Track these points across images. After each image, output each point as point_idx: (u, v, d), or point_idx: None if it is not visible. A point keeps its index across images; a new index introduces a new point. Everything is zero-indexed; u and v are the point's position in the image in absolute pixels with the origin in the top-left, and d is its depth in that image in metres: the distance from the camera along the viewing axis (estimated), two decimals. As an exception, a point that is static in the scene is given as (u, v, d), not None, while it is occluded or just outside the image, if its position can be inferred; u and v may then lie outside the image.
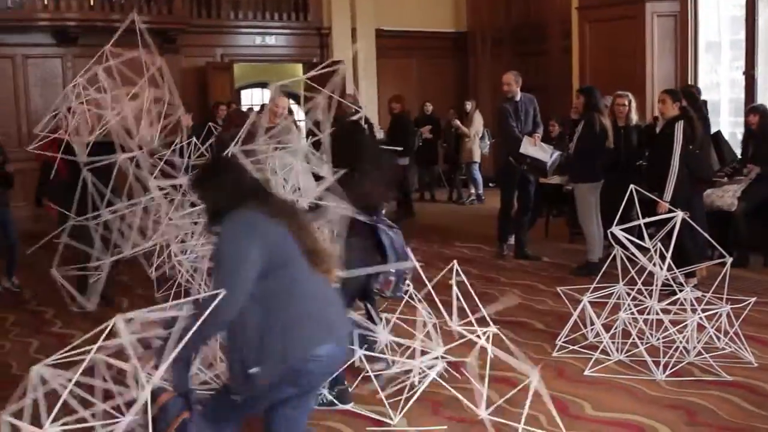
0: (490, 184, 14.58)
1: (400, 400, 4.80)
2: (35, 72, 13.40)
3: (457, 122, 14.02)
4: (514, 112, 9.01)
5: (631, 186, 6.08)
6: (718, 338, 5.60)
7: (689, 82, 10.59)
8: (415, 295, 5.14)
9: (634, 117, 8.47)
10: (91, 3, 13.28)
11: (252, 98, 20.16)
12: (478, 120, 13.89)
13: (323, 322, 3.27)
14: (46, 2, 12.92)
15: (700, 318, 5.50)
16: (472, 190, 14.34)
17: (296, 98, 19.13)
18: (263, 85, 19.75)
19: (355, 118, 8.02)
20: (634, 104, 8.44)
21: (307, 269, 3.33)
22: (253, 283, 3.15)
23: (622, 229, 5.68)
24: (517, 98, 9.03)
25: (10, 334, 6.83)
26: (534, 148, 8.82)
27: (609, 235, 5.93)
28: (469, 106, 14.19)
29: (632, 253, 5.68)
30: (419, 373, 4.90)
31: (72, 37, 13.32)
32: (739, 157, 9.01)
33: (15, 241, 8.59)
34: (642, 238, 5.79)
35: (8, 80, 13.22)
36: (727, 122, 11.13)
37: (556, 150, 8.96)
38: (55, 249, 6.95)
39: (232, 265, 3.15)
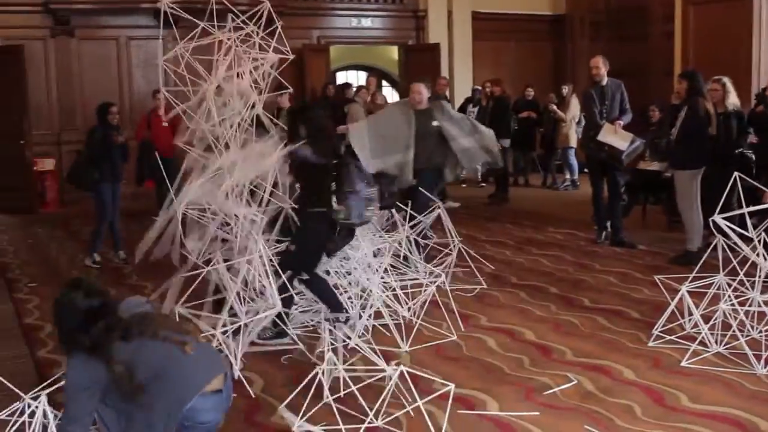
0: (585, 170, 14.33)
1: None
2: (138, 53, 13.77)
3: (554, 107, 13.82)
4: (600, 98, 8.85)
5: (735, 173, 5.89)
6: (824, 333, 5.39)
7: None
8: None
9: (733, 102, 8.18)
10: (192, -15, 13.53)
11: (347, 80, 20.29)
12: (575, 104, 13.64)
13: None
14: (149, -16, 13.24)
15: (805, 311, 5.31)
16: (567, 176, 14.14)
17: (390, 80, 19.25)
18: (359, 67, 19.88)
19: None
20: (731, 89, 8.15)
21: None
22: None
23: (723, 218, 5.51)
24: (604, 83, 8.85)
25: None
26: (613, 135, 8.62)
27: (710, 223, 5.76)
28: (565, 90, 13.96)
29: (734, 243, 5.50)
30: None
31: (174, 19, 13.57)
32: None
33: (115, 217, 8.80)
34: (744, 228, 5.61)
35: (113, 61, 13.61)
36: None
37: (638, 138, 8.71)
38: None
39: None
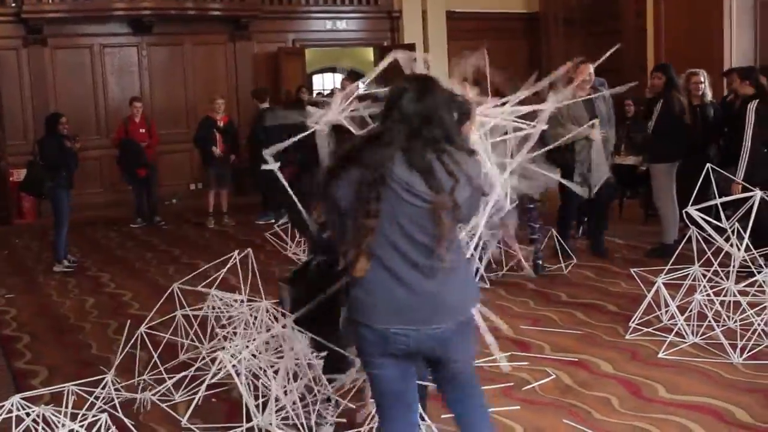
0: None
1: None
2: (112, 61, 13.70)
3: (532, 105, 13.84)
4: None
5: (708, 165, 5.93)
6: (799, 321, 5.44)
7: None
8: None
9: (709, 94, 8.27)
10: (165, -8, 13.50)
11: (324, 83, 20.23)
12: (553, 102, 13.69)
13: None
14: (122, -8, 13.19)
15: (781, 300, 5.36)
16: (546, 172, 14.18)
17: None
18: (334, 69, 19.84)
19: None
20: (708, 81, 8.23)
21: None
22: None
23: (697, 209, 5.55)
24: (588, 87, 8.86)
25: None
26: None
27: (684, 215, 5.79)
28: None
29: (708, 234, 5.54)
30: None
31: (147, 25, 13.57)
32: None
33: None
34: (719, 219, 5.65)
35: (87, 69, 13.53)
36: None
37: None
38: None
39: None
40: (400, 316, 2.89)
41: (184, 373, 4.81)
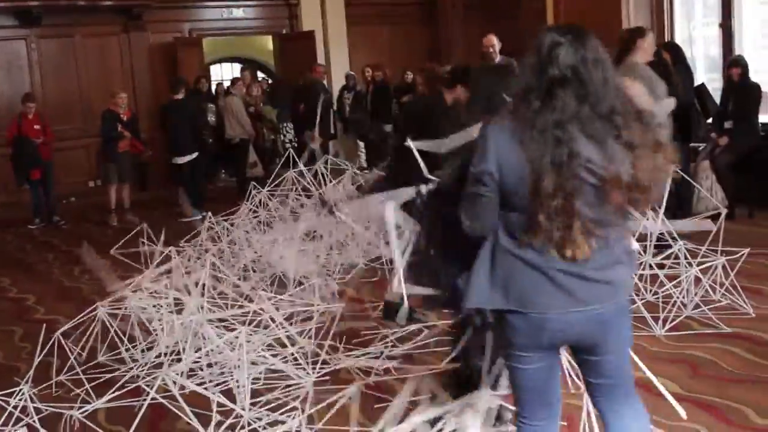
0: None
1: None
2: (-1, 55, 13.11)
3: (434, 89, 13.86)
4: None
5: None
6: (715, 291, 5.56)
7: (666, 38, 10.49)
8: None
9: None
10: (54, -18, 12.97)
11: (222, 73, 19.92)
12: (456, 86, 13.76)
13: None
14: (6, -18, 12.61)
15: (696, 271, 5.46)
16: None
17: (265, 70, 19.01)
18: (233, 59, 19.55)
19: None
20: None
21: None
22: None
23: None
24: (496, 61, 8.92)
25: None
26: None
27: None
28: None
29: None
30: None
31: (35, 17, 13.02)
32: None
33: None
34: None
35: (-29, 65, 12.92)
36: (704, 78, 11.05)
37: None
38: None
39: None
40: (557, 299, 2.61)
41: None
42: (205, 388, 4.18)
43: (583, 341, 2.74)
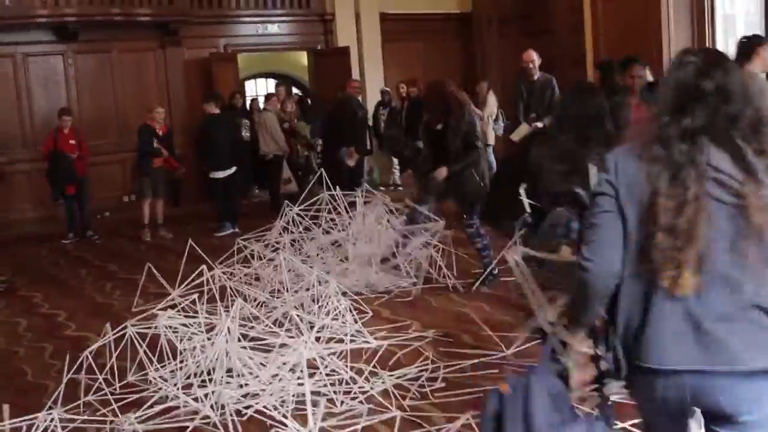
0: (502, 167, 14.32)
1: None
2: (36, 70, 13.15)
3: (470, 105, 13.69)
4: (528, 93, 8.80)
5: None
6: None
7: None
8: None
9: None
10: (90, -2, 13.03)
11: (257, 88, 19.93)
12: (492, 102, 13.58)
13: None
14: (44, -1, 12.67)
15: None
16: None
17: (299, 85, 18.99)
18: (268, 75, 19.56)
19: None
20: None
21: None
22: None
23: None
24: (535, 77, 8.82)
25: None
26: (527, 136, 8.59)
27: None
28: (483, 87, 13.89)
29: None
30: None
31: (72, 32, 13.08)
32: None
33: None
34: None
35: (9, 80, 12.97)
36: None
37: None
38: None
39: None
40: (700, 354, 2.23)
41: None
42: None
43: (725, 410, 2.30)
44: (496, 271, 7.16)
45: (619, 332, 2.37)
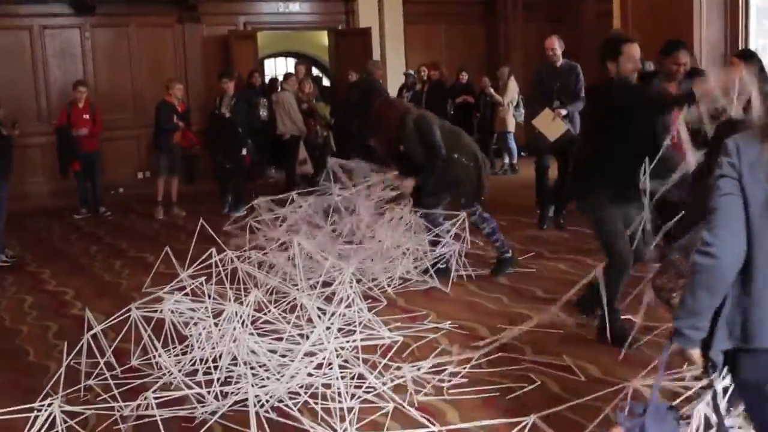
0: (522, 153, 14.10)
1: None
2: (53, 43, 13.00)
3: (491, 90, 13.47)
4: (551, 78, 8.59)
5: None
6: None
7: (740, 45, 9.96)
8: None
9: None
10: (109, -30, 12.85)
11: (276, 68, 19.72)
12: (512, 87, 13.35)
13: None
14: (62, -30, 12.51)
15: None
16: (506, 160, 13.85)
17: (319, 66, 18.75)
18: (288, 54, 19.33)
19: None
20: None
21: None
22: None
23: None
24: (558, 64, 8.61)
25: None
26: (548, 124, 8.36)
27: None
28: (503, 73, 13.64)
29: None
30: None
31: (90, 5, 12.91)
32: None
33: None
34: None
35: (26, 52, 12.83)
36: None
37: (572, 132, 8.38)
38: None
39: None
40: None
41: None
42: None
43: None
44: (509, 254, 6.99)
45: (728, 316, 2.41)
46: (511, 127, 13.42)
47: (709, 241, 2.35)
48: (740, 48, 9.78)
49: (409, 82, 13.59)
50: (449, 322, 5.65)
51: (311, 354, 4.48)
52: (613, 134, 4.87)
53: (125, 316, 4.67)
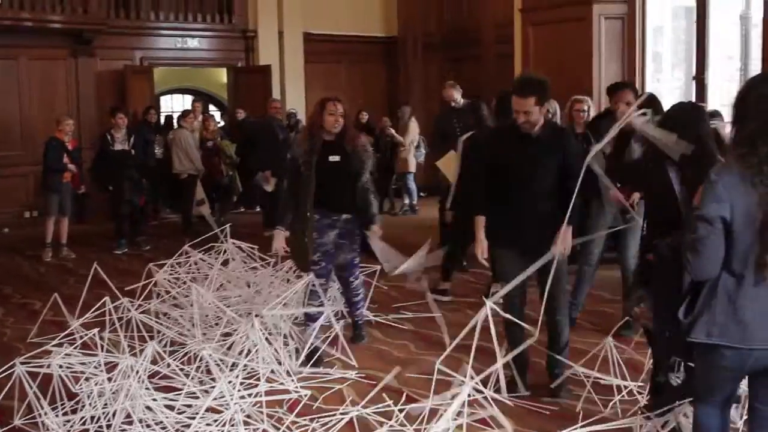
0: (421, 194, 14.08)
1: None
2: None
3: (392, 131, 13.44)
4: (450, 121, 8.67)
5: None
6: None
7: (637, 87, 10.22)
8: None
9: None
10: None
11: (173, 104, 19.34)
12: (413, 128, 13.35)
13: None
14: (-51, -1, 11.96)
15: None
16: (406, 201, 13.77)
17: (217, 103, 18.47)
18: (184, 91, 19.01)
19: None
20: (593, 110, 7.81)
21: None
22: None
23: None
24: (459, 106, 8.72)
25: None
26: (451, 164, 8.33)
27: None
28: (405, 112, 13.62)
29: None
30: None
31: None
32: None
33: None
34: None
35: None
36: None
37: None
38: None
39: None
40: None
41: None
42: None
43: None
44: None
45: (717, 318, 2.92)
46: (412, 167, 13.40)
47: (692, 264, 2.91)
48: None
49: (292, 122, 13.31)
50: (355, 372, 5.47)
51: (213, 410, 4.22)
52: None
53: (9, 372, 4.33)
